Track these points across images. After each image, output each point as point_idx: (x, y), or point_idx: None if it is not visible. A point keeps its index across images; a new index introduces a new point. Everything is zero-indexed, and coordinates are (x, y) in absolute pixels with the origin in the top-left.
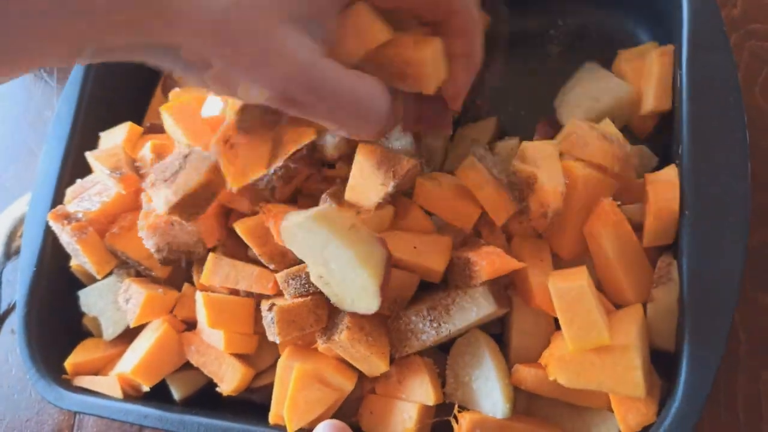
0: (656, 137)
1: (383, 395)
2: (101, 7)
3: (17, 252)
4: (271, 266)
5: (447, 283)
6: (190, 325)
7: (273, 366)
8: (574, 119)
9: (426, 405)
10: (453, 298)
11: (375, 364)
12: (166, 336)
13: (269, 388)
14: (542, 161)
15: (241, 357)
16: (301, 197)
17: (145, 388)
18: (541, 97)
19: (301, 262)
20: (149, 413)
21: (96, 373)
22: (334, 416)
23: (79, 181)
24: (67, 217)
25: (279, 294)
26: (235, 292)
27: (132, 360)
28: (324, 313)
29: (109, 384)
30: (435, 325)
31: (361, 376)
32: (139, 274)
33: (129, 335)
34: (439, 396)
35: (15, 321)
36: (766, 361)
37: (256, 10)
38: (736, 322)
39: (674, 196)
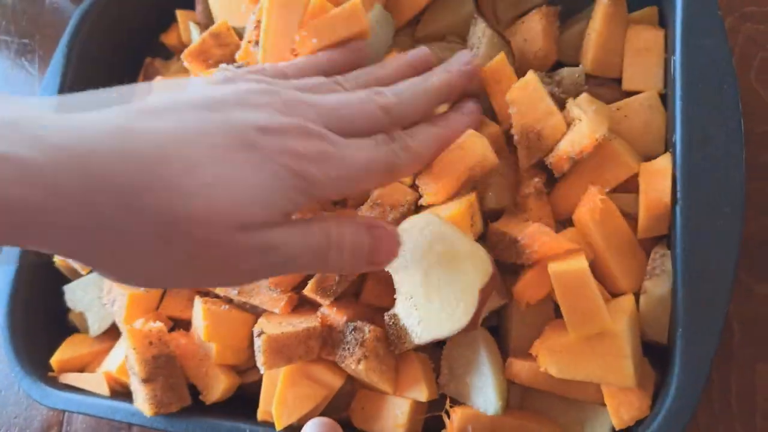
0: None
1: (375, 391)
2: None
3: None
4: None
5: None
6: (177, 322)
7: None
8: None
9: (418, 401)
10: None
11: (380, 388)
12: None
13: (258, 384)
14: (593, 114)
15: (228, 367)
16: None
17: None
18: None
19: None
20: (137, 411)
21: (82, 370)
22: (326, 411)
23: None
24: None
25: (292, 314)
26: (230, 300)
27: (119, 357)
28: (316, 345)
29: (96, 381)
30: None
31: None
32: None
33: (116, 331)
34: (433, 392)
35: None
36: (760, 352)
37: None
38: (730, 313)
39: (667, 185)
